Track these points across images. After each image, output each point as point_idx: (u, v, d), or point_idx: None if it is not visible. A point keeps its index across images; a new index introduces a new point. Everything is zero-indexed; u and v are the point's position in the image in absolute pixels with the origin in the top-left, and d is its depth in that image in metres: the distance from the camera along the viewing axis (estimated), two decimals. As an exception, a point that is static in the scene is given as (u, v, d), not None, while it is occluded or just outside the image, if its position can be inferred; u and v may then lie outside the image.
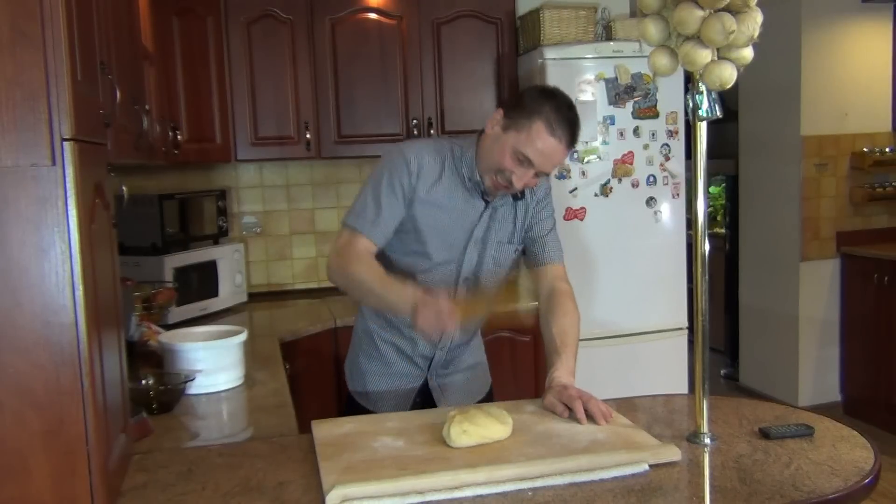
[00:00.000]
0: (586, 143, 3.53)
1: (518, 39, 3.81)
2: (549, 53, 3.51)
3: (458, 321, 1.72)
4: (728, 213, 5.72)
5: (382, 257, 1.96)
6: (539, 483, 1.39)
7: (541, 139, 1.80)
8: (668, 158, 3.63)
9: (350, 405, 2.14)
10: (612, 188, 3.58)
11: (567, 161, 3.51)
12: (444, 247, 1.96)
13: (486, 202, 1.97)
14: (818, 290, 4.79)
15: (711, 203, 5.80)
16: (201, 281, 3.28)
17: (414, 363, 2.09)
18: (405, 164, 1.91)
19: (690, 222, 1.62)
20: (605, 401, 1.82)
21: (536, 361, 3.48)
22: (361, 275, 1.86)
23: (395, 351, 2.08)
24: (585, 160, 3.55)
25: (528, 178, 1.85)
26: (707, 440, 1.58)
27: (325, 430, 1.66)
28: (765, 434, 1.60)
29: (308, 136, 3.52)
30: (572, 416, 1.68)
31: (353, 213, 1.93)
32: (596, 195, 3.57)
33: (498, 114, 1.88)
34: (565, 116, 1.82)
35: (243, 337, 2.26)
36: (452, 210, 1.94)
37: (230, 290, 3.46)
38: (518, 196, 1.99)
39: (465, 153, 1.94)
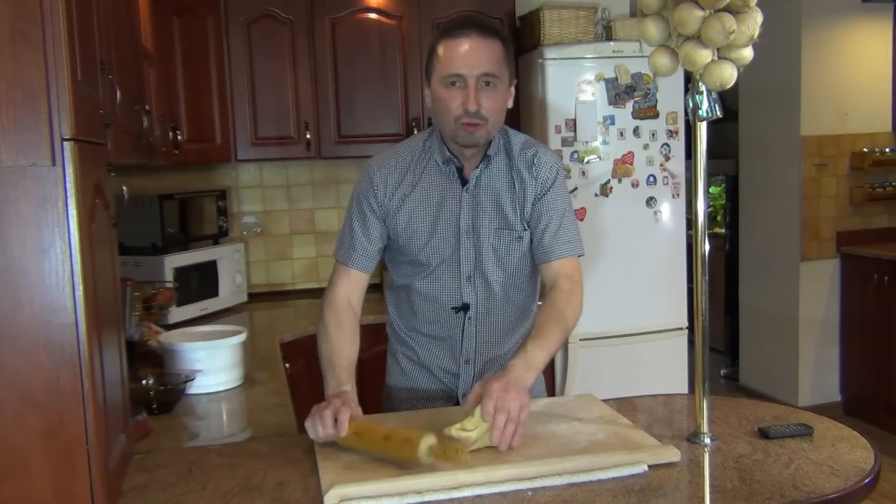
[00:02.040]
0: (586, 143, 3.54)
1: (518, 39, 3.81)
2: (549, 53, 3.51)
3: (333, 432, 1.54)
4: (728, 213, 5.72)
5: (392, 267, 1.96)
6: (538, 483, 1.38)
7: (449, 49, 1.73)
8: (668, 158, 3.63)
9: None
10: (612, 188, 3.58)
11: (567, 161, 3.51)
12: (436, 247, 1.86)
13: (463, 183, 1.84)
14: (818, 290, 4.79)
15: (711, 203, 5.80)
16: (201, 281, 3.28)
17: (437, 379, 1.96)
18: (369, 181, 1.87)
19: (690, 222, 1.62)
20: (605, 401, 1.82)
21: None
22: (319, 343, 1.83)
23: (417, 366, 1.98)
24: (585, 160, 3.55)
25: (479, 95, 1.72)
26: (707, 440, 1.58)
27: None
28: (764, 434, 1.60)
29: (308, 136, 3.52)
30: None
31: (336, 245, 1.93)
32: (596, 195, 3.57)
33: (424, 86, 1.85)
34: (459, 21, 1.76)
35: (243, 337, 2.26)
36: (429, 205, 1.85)
37: (230, 290, 3.46)
38: (489, 154, 1.82)
39: (433, 136, 1.87)
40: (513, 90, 1.82)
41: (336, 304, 1.87)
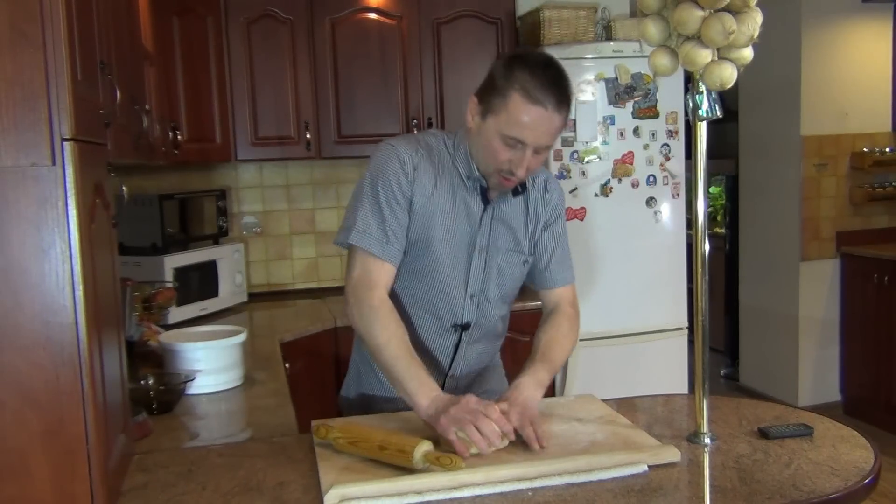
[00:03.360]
0: (586, 143, 3.53)
1: (518, 39, 3.81)
2: (550, 53, 3.50)
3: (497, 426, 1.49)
4: (728, 213, 5.72)
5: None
6: (538, 483, 1.38)
7: (523, 112, 1.59)
8: (668, 158, 3.63)
9: None
10: (612, 188, 3.58)
11: (567, 161, 3.51)
12: (449, 259, 1.77)
13: (486, 203, 1.78)
14: (818, 290, 4.79)
15: (711, 203, 5.80)
16: (201, 281, 3.28)
17: None
18: (400, 164, 1.70)
19: (690, 222, 1.62)
20: (606, 401, 1.82)
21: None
22: (378, 340, 1.64)
23: None
24: (585, 160, 3.55)
25: (529, 161, 1.64)
26: (707, 440, 1.57)
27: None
28: (764, 434, 1.60)
29: (308, 136, 3.52)
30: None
31: (355, 231, 1.69)
32: (596, 195, 3.57)
33: (472, 102, 1.69)
34: (542, 77, 1.60)
35: (243, 337, 2.26)
36: (454, 215, 1.75)
37: (230, 290, 3.45)
38: (519, 190, 1.80)
39: (458, 148, 1.76)
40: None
41: (386, 302, 1.68)
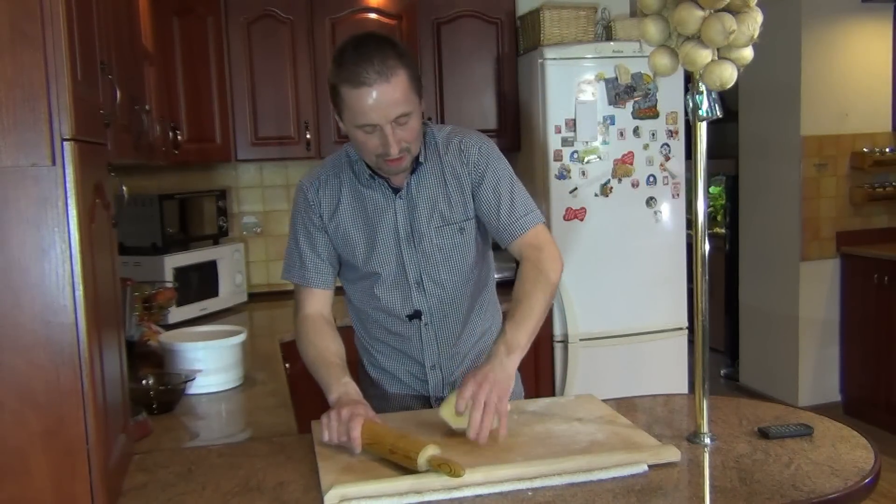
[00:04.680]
0: (586, 143, 3.54)
1: (518, 39, 3.81)
2: (549, 53, 3.51)
3: (357, 437, 1.50)
4: (728, 213, 5.72)
5: (346, 285, 1.95)
6: (538, 483, 1.38)
7: (355, 99, 1.62)
8: (668, 158, 3.63)
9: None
10: (612, 188, 3.58)
11: (567, 161, 3.51)
12: (380, 259, 1.84)
13: (395, 191, 1.81)
14: (818, 290, 4.79)
15: (711, 203, 5.80)
16: (201, 281, 3.28)
17: (406, 384, 1.97)
18: (304, 199, 1.86)
19: (690, 222, 1.62)
20: (606, 401, 1.82)
21: (536, 359, 3.48)
22: (303, 355, 1.82)
23: (385, 374, 1.98)
24: (585, 160, 3.55)
25: (396, 136, 1.66)
26: (707, 440, 1.57)
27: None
28: (764, 434, 1.60)
29: (308, 136, 3.52)
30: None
31: (284, 268, 1.92)
32: (596, 195, 3.57)
33: (334, 114, 1.75)
34: (354, 58, 1.61)
35: (243, 337, 2.26)
36: (362, 218, 1.83)
37: (230, 290, 3.45)
38: (417, 163, 1.79)
39: (360, 160, 1.82)
40: (422, 102, 1.75)
41: (308, 319, 1.87)
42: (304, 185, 1.88)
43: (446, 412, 1.57)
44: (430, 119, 3.61)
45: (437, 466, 1.39)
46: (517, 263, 1.84)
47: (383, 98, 1.61)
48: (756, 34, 1.48)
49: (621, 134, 3.57)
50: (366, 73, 1.60)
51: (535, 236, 1.80)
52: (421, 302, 1.87)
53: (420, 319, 1.89)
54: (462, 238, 1.85)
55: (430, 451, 1.41)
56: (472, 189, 1.83)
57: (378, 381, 2.00)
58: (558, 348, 3.58)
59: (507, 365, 1.59)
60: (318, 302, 1.89)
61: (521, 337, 1.64)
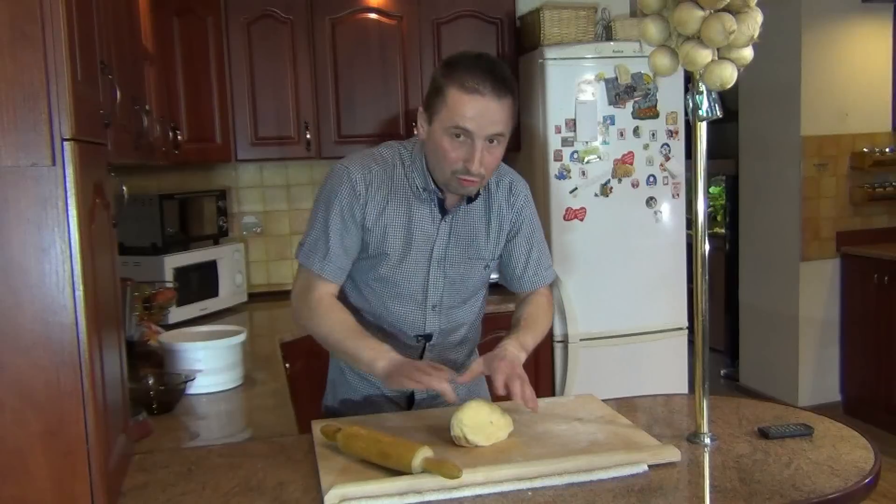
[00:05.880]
0: (586, 143, 3.53)
1: (518, 39, 3.81)
2: (550, 53, 3.51)
3: (444, 377, 1.56)
4: (728, 213, 5.72)
5: (352, 286, 1.87)
6: (538, 483, 1.38)
7: (460, 102, 1.61)
8: (668, 158, 3.63)
9: None
10: (612, 188, 3.58)
11: (567, 161, 3.51)
12: (408, 271, 1.81)
13: (443, 213, 1.80)
14: (818, 290, 4.79)
15: (711, 203, 5.80)
16: (201, 281, 3.28)
17: (385, 395, 1.92)
18: (352, 187, 1.75)
19: (690, 222, 1.62)
20: (606, 401, 1.82)
21: (536, 359, 3.48)
22: (323, 329, 1.76)
23: (366, 382, 1.93)
24: (585, 160, 3.55)
25: (482, 154, 1.64)
26: (707, 440, 1.57)
27: (325, 430, 1.66)
28: (764, 434, 1.60)
29: (308, 136, 3.52)
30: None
31: (304, 247, 1.81)
32: (596, 195, 3.57)
33: (420, 113, 1.72)
34: (474, 67, 1.62)
35: (243, 337, 2.26)
36: (408, 228, 1.78)
37: (230, 290, 3.45)
38: (475, 196, 1.80)
39: (415, 160, 1.78)
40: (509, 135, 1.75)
41: (323, 300, 1.78)
42: (353, 174, 1.76)
43: (469, 422, 1.54)
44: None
45: (432, 469, 1.38)
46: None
47: (489, 112, 1.62)
48: (756, 34, 1.48)
49: (621, 134, 3.57)
50: (483, 83, 1.61)
51: (547, 289, 1.95)
52: (433, 325, 1.87)
53: (428, 341, 1.88)
54: (485, 274, 1.90)
55: (424, 453, 1.41)
56: (508, 233, 1.88)
57: (359, 387, 1.95)
58: (558, 348, 3.58)
59: (521, 359, 1.68)
60: (330, 289, 1.81)
61: (530, 344, 1.75)
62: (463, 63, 1.65)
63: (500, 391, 1.59)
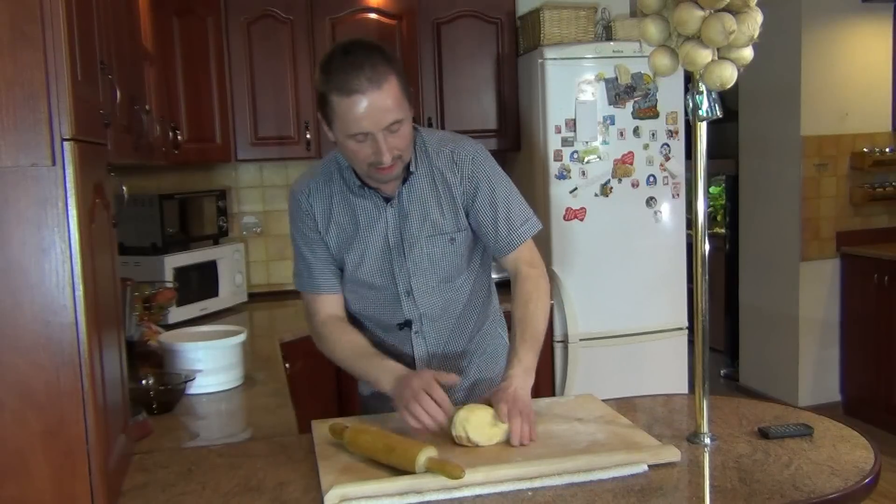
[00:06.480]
0: (586, 143, 3.53)
1: (518, 39, 3.81)
2: (550, 53, 3.51)
3: (447, 404, 1.56)
4: (728, 213, 5.72)
5: (346, 295, 1.91)
6: (538, 483, 1.38)
7: (346, 108, 1.59)
8: (668, 158, 3.63)
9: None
10: (612, 188, 3.58)
11: (567, 161, 3.51)
12: (371, 268, 1.83)
13: (387, 201, 1.80)
14: (818, 290, 4.79)
15: (711, 203, 5.80)
16: (201, 281, 3.28)
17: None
18: (297, 204, 1.85)
19: (690, 222, 1.62)
20: (606, 401, 1.82)
21: (536, 361, 3.47)
22: (336, 354, 1.82)
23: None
24: (585, 160, 3.55)
25: (388, 143, 1.63)
26: (707, 440, 1.57)
27: (325, 430, 1.66)
28: (764, 434, 1.60)
29: (308, 136, 3.52)
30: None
31: (294, 276, 1.93)
32: (596, 195, 3.57)
33: (321, 121, 1.72)
34: (347, 66, 1.59)
35: (243, 337, 2.26)
36: (356, 224, 1.81)
37: (230, 290, 3.45)
38: (409, 172, 1.78)
39: (349, 169, 1.81)
40: (412, 108, 1.73)
41: (327, 322, 1.86)
42: (296, 193, 1.86)
43: (472, 421, 1.55)
44: (429, 122, 3.61)
45: (436, 468, 1.38)
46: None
47: (375, 105, 1.60)
48: (756, 34, 1.48)
49: (621, 134, 3.57)
50: (357, 81, 1.58)
51: (528, 253, 1.85)
52: (411, 311, 1.87)
53: (410, 328, 1.89)
54: (453, 248, 1.84)
55: (428, 452, 1.41)
56: (465, 202, 1.81)
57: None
58: (558, 348, 3.58)
59: (527, 386, 1.66)
60: (330, 306, 1.88)
61: (533, 360, 1.72)
62: (335, 65, 1.61)
63: (504, 422, 1.56)
